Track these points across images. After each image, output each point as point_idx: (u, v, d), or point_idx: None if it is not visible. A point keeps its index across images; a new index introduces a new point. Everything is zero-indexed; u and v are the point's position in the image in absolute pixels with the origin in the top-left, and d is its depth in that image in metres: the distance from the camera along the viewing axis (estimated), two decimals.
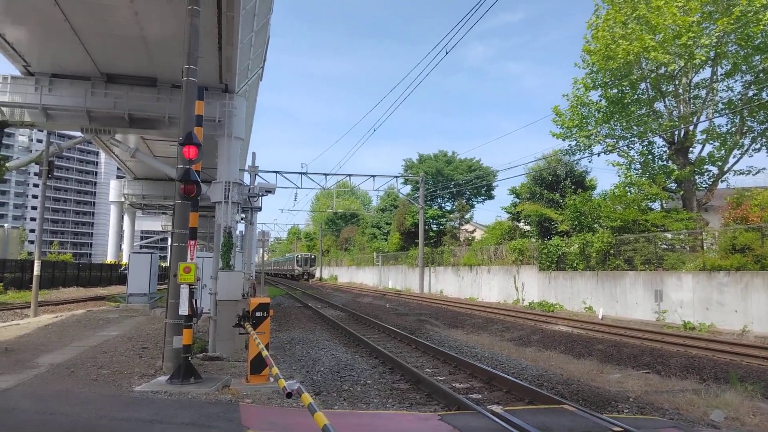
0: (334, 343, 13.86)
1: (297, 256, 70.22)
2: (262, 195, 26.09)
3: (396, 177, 42.20)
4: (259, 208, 26.57)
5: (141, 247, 58.29)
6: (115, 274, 46.63)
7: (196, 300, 8.62)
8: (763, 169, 26.62)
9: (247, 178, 27.69)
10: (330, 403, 7.64)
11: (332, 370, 10.10)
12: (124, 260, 43.46)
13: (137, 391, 7.76)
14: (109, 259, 49.24)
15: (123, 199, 43.29)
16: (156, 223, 66.22)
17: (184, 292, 8.37)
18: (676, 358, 11.37)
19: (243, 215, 25.97)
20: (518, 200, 38.40)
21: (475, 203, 53.75)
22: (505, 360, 11.24)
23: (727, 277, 17.51)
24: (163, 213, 57.49)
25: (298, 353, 12.18)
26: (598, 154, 29.34)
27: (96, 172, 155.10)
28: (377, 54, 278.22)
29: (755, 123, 24.98)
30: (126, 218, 47.10)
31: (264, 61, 24.11)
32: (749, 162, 78.02)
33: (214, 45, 17.15)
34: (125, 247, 48.33)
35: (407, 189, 52.64)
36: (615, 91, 27.02)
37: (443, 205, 53.84)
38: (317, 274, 74.42)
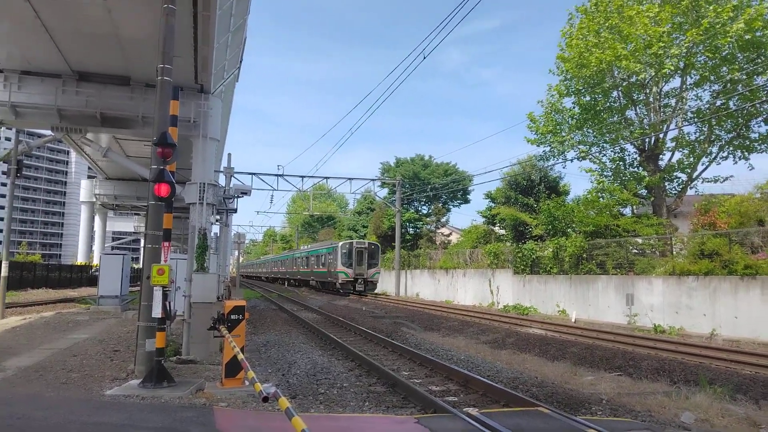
0: (310, 346, 13.78)
1: (341, 247, 37.57)
2: (238, 197, 25.87)
3: (373, 180, 42.36)
4: (235, 210, 26.32)
5: (113, 248, 57.19)
6: (85, 276, 45.64)
7: (169, 302, 8.50)
8: (731, 176, 27.36)
9: (222, 180, 27.44)
10: (306, 407, 7.59)
11: (308, 373, 10.04)
12: (95, 261, 42.61)
13: (108, 395, 7.60)
14: (80, 260, 48.18)
15: (94, 200, 42.39)
16: (128, 224, 64.78)
17: (158, 294, 8.25)
18: (647, 360, 11.58)
19: (218, 217, 25.71)
20: (494, 204, 38.81)
21: (451, 207, 54.13)
22: (481, 362, 11.31)
23: (696, 282, 17.94)
24: (135, 214, 56.37)
25: (274, 356, 12.07)
26: (572, 160, 29.88)
27: (66, 172, 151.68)
28: (356, 57, 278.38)
29: (723, 132, 25.69)
30: (97, 219, 46.13)
31: (240, 61, 23.89)
32: (717, 170, 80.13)
33: (189, 44, 16.93)
34: (96, 248, 47.30)
35: (384, 192, 52.78)
36: (588, 98, 27.51)
37: (420, 208, 54.08)
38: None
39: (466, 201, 54.67)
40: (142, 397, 7.44)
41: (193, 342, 10.99)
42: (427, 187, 50.00)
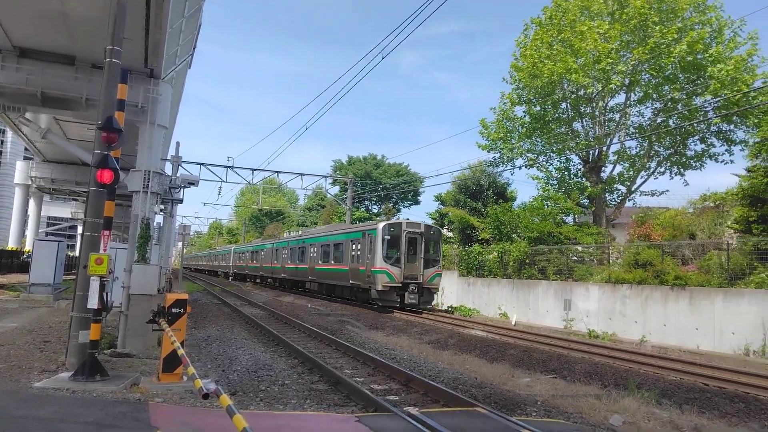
0: (253, 342, 13.60)
1: (383, 231, 23.35)
2: (184, 187, 25.22)
3: (324, 177, 42.01)
4: (180, 201, 25.65)
5: (47, 234, 54.53)
6: (16, 262, 43.29)
7: (107, 293, 8.21)
8: (667, 191, 28.91)
9: (168, 169, 26.67)
10: (246, 404, 7.49)
11: (249, 370, 9.91)
12: (28, 247, 40.57)
13: (37, 388, 7.27)
14: (11, 245, 45.70)
15: (30, 182, 40.38)
16: (65, 210, 62.01)
17: (95, 284, 7.95)
18: (581, 364, 12.02)
19: (162, 206, 24.97)
20: (443, 206, 39.35)
21: (401, 207, 54.60)
22: (423, 362, 11.46)
23: (630, 290, 18.77)
24: (74, 199, 53.93)
25: (215, 351, 11.84)
26: (520, 168, 30.73)
27: (1, 152, 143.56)
28: (315, 54, 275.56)
29: (661, 148, 27.03)
30: (32, 202, 43.94)
31: (194, 48, 23.31)
32: (654, 184, 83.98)
33: (141, 27, 16.38)
34: (29, 233, 45.03)
35: (335, 190, 52.60)
36: (538, 108, 28.33)
37: (370, 207, 54.28)
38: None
39: (417, 202, 55.36)
40: (72, 391, 7.15)
41: (129, 335, 10.65)
42: (379, 186, 50.22)
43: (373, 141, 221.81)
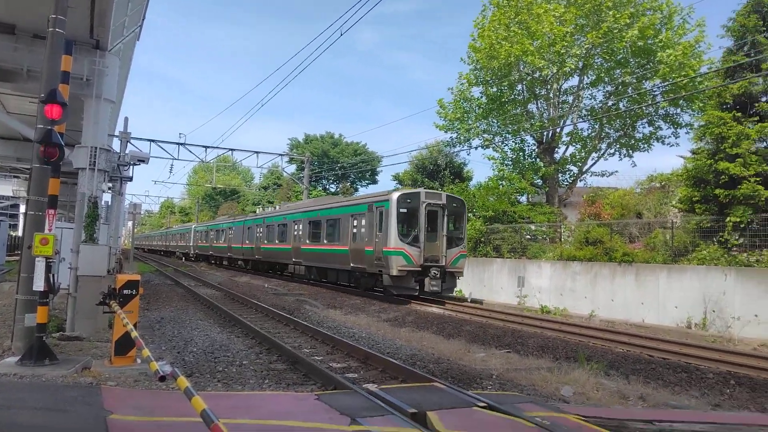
0: (209, 323, 13.40)
1: (397, 202, 19.04)
2: (134, 164, 24.33)
3: (281, 155, 41.37)
4: (130, 178, 24.77)
5: None
6: None
7: (53, 275, 7.90)
8: (616, 171, 29.86)
9: (117, 145, 25.69)
10: (203, 385, 7.40)
11: (206, 351, 9.77)
12: None
13: None
14: None
15: None
16: (6, 187, 58.89)
17: (40, 265, 7.64)
18: (534, 338, 12.38)
19: (110, 185, 24.06)
20: (401, 186, 39.50)
21: (359, 187, 54.48)
22: (381, 340, 11.56)
23: (580, 267, 19.40)
24: (15, 177, 51.27)
25: (169, 333, 11.62)
26: (476, 148, 31.09)
27: None
28: (271, 29, 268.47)
29: (612, 130, 27.81)
30: None
31: (143, 19, 22.24)
32: (604, 165, 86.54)
33: None
34: None
35: (292, 168, 51.99)
36: (495, 89, 28.60)
37: (328, 186, 53.93)
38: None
39: (374, 182, 55.34)
40: (20, 376, 6.89)
41: (78, 317, 10.34)
42: (336, 165, 49.91)
43: (330, 119, 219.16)
